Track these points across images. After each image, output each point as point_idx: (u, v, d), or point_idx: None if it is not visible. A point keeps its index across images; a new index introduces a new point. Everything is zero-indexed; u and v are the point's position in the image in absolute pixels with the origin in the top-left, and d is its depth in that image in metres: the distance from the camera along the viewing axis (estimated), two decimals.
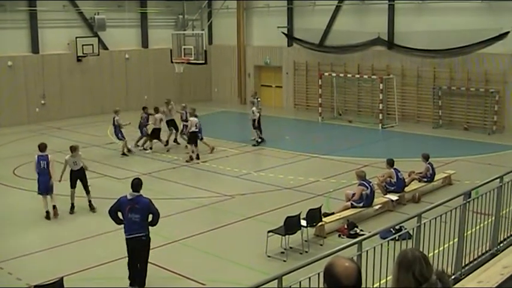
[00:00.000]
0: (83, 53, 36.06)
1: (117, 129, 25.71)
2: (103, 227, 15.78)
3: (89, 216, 17.93)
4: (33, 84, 34.51)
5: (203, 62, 32.26)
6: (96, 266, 13.94)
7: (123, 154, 25.77)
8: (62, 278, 10.78)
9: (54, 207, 17.74)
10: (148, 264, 12.72)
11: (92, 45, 36.37)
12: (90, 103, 36.50)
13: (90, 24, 37.04)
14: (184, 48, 32.80)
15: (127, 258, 12.71)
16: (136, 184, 12.44)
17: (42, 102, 31.39)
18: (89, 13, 36.87)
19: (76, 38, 35.87)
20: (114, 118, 25.73)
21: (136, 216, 12.24)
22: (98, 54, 36.53)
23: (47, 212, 17.57)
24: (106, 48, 37.88)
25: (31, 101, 32.52)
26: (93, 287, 12.98)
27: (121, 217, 12.54)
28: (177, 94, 38.84)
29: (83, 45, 35.98)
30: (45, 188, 17.55)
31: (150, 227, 12.50)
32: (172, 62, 33.50)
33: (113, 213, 12.55)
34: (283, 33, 37.62)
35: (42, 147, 17.75)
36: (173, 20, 39.91)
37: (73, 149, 18.22)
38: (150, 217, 12.41)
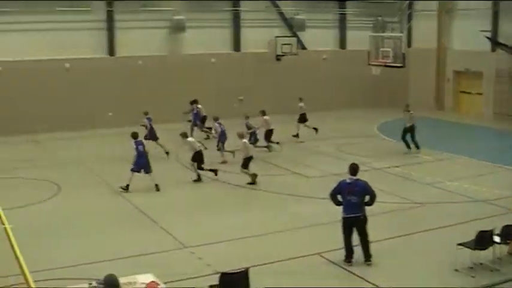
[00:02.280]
0: (282, 52, 36.83)
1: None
2: (297, 220, 16.06)
3: (283, 208, 18.29)
4: (233, 81, 35.79)
5: (401, 65, 31.69)
6: (285, 260, 14.13)
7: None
8: (247, 269, 11.04)
9: (156, 185, 20.51)
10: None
11: (291, 44, 37.02)
12: (285, 102, 37.13)
13: (289, 24, 37.75)
14: (382, 51, 32.49)
15: (342, 236, 13.90)
16: (355, 169, 13.85)
17: (241, 98, 32.37)
18: (289, 14, 37.60)
19: (276, 37, 36.72)
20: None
21: (354, 198, 13.62)
22: (297, 54, 37.11)
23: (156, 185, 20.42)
24: (304, 48, 38.41)
25: (231, 96, 33.67)
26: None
27: (340, 199, 13.82)
28: (372, 97, 38.61)
29: (282, 44, 36.74)
30: (143, 167, 20.49)
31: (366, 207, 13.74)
32: (369, 64, 33.29)
33: (333, 195, 13.87)
34: (487, 37, 36.02)
35: (136, 135, 20.93)
36: (371, 22, 39.63)
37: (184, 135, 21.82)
38: (367, 198, 13.70)
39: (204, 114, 29.80)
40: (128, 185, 20.41)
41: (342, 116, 36.33)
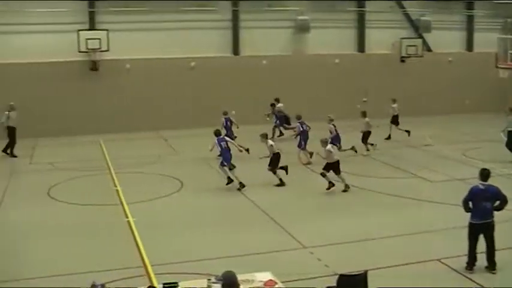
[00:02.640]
0: (407, 54, 36.23)
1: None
2: (417, 224, 15.72)
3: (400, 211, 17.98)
4: (357, 82, 35.53)
5: None
6: (403, 264, 13.85)
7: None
8: (366, 272, 10.88)
9: (238, 181, 20.70)
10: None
11: (416, 46, 36.39)
12: (409, 103, 36.50)
13: (415, 25, 37.07)
14: (510, 53, 31.31)
15: (468, 242, 13.40)
16: (486, 174, 13.60)
17: (364, 99, 32.13)
18: (415, 15, 36.91)
19: (401, 38, 36.16)
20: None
21: (487, 203, 13.36)
22: (422, 56, 36.42)
23: (240, 183, 20.58)
24: (429, 50, 37.61)
25: (353, 97, 33.43)
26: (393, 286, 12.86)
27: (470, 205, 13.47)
28: (499, 100, 37.25)
29: (407, 46, 36.16)
30: (229, 161, 20.99)
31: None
32: (496, 66, 32.18)
33: (466, 202, 13.51)
34: None
35: (218, 132, 21.78)
36: (500, 24, 38.22)
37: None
38: (497, 203, 13.41)
39: (286, 114, 30.24)
40: (229, 178, 20.88)
41: (467, 120, 35.35)
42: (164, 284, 9.58)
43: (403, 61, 36.62)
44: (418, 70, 36.84)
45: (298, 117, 25.74)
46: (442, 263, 13.87)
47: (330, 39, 35.47)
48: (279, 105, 30.49)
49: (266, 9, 34.66)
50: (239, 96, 33.09)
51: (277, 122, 30.44)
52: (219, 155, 22.29)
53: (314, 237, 15.68)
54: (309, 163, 24.53)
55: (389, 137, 29.44)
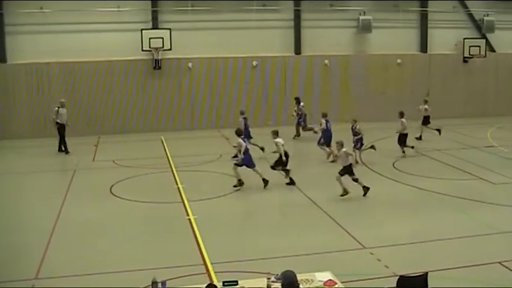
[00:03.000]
0: (470, 54, 35.72)
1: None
2: (478, 226, 15.55)
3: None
4: (419, 83, 35.19)
5: None
6: (464, 266, 13.69)
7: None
8: (426, 273, 10.81)
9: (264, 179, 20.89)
10: None
11: (479, 46, 35.83)
12: (472, 104, 36.02)
13: (478, 25, 36.49)
14: None
15: None
16: None
17: (426, 99, 31.80)
18: (478, 15, 36.33)
19: (464, 39, 35.67)
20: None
21: None
22: (485, 56, 35.84)
23: (264, 180, 20.82)
24: (493, 51, 36.95)
25: (415, 98, 33.12)
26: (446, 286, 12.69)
27: None
28: None
29: (470, 46, 35.65)
30: (252, 162, 21.05)
31: None
32: None
33: None
34: None
35: (240, 132, 21.63)
36: None
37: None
38: None
39: (305, 113, 30.15)
40: (240, 180, 21.00)
41: None
42: (224, 282, 9.69)
43: (465, 61, 36.08)
44: (481, 70, 36.24)
45: (324, 115, 25.82)
46: (504, 265, 13.67)
47: (392, 39, 35.20)
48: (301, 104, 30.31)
49: (328, 8, 34.58)
50: (300, 95, 33.08)
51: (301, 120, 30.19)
52: (234, 156, 22.62)
53: (374, 237, 15.62)
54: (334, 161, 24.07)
55: (420, 138, 29.01)
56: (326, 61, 34.58)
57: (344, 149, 19.91)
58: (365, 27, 34.71)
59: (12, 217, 18.46)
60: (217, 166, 24.58)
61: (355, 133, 24.50)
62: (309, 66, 34.42)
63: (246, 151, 21.13)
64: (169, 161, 25.54)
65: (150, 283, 9.56)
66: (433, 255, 14.45)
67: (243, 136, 21.84)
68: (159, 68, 32.88)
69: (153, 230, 16.83)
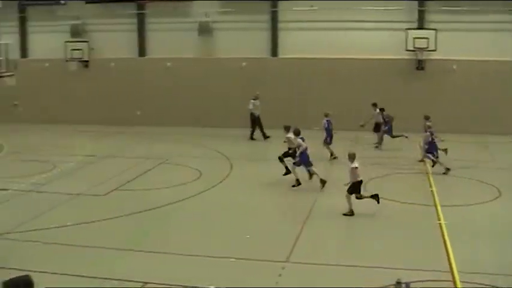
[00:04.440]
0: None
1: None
2: None
3: None
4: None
5: None
6: None
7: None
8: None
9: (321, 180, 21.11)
10: None
11: None
12: None
13: None
14: None
15: None
16: None
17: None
18: None
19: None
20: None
21: None
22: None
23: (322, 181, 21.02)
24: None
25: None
26: None
27: None
28: None
29: None
30: (308, 162, 21.44)
31: None
32: None
33: None
34: None
35: (297, 132, 21.76)
36: None
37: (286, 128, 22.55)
38: None
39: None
40: (298, 180, 21.39)
41: None
42: None
43: None
44: None
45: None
46: None
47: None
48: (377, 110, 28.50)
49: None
50: None
51: (387, 127, 28.51)
52: (290, 154, 22.36)
53: None
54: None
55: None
56: None
57: (354, 165, 18.08)
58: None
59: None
60: (472, 172, 23.67)
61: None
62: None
63: (304, 151, 21.27)
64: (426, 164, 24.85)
65: (394, 282, 9.55)
66: None
67: (301, 135, 21.73)
68: (422, 68, 32.49)
69: (402, 230, 16.69)
